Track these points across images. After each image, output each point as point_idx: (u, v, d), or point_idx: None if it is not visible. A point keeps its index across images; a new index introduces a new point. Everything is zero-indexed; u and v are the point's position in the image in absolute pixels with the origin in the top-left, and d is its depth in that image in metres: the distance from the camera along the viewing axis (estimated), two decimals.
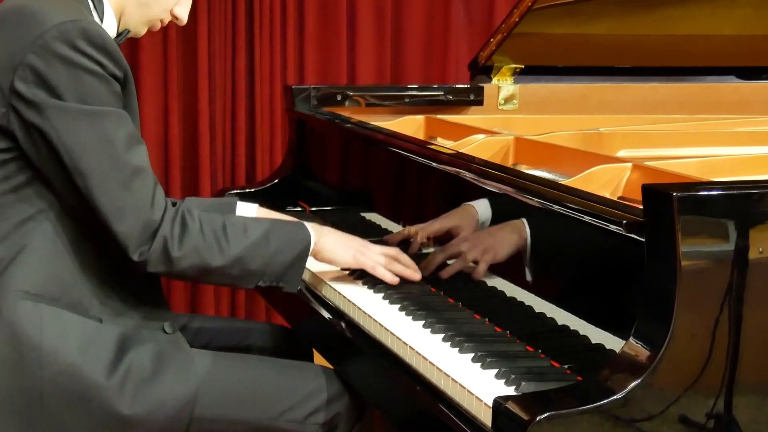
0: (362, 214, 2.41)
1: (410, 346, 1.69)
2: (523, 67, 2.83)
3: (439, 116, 2.67)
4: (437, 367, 1.59)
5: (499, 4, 3.84)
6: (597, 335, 1.59)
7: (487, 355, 1.60)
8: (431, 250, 2.05)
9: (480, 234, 1.89)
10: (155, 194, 1.76)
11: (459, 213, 1.96)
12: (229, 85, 3.59)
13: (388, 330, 1.77)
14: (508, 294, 1.81)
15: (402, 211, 2.25)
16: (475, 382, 1.52)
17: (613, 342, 1.54)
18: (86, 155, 1.71)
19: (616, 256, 1.55)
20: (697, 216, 1.40)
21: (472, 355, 1.62)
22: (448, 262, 1.96)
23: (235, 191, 2.68)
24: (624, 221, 1.48)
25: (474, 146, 2.19)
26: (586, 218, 1.57)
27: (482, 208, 1.90)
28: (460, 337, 1.70)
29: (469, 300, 1.87)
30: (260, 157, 3.63)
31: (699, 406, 1.42)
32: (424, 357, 1.64)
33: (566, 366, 1.57)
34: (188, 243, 1.77)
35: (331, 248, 1.94)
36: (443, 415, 1.53)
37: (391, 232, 2.23)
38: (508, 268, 1.82)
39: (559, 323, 1.68)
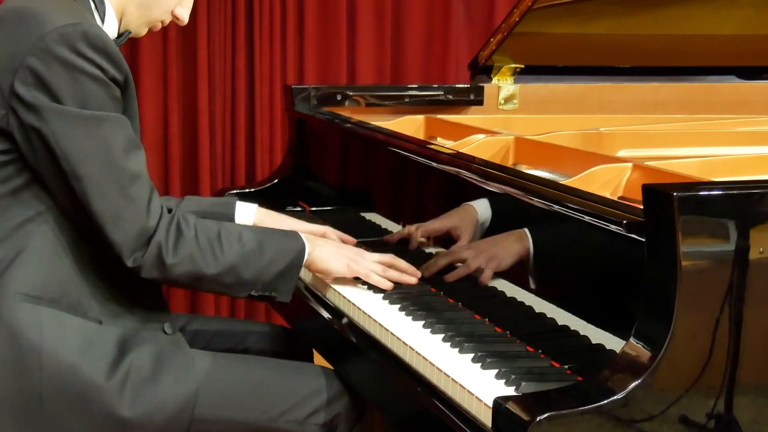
0: (362, 214, 2.41)
1: (410, 347, 1.69)
2: (523, 66, 2.83)
3: (439, 116, 2.66)
4: (437, 368, 1.59)
5: (499, 3, 3.83)
6: (597, 335, 1.59)
7: (487, 356, 1.60)
8: (432, 250, 2.05)
9: (484, 242, 1.88)
10: (151, 201, 1.76)
11: (459, 213, 1.96)
12: (228, 85, 3.59)
13: (388, 330, 1.77)
14: (508, 294, 1.81)
15: (402, 211, 2.25)
16: (475, 383, 1.52)
17: (613, 342, 1.53)
18: (83, 160, 1.70)
19: (616, 256, 1.55)
20: (698, 216, 1.40)
21: (472, 355, 1.62)
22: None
23: (235, 191, 2.68)
24: (624, 221, 1.48)
25: (474, 146, 2.19)
26: (587, 218, 1.57)
27: (482, 208, 1.89)
28: (460, 337, 1.69)
29: (469, 300, 1.87)
30: (260, 157, 3.63)
31: (699, 406, 1.42)
32: (424, 357, 1.64)
33: (566, 366, 1.56)
34: (183, 250, 1.77)
35: (325, 258, 1.94)
36: (443, 416, 1.53)
37: (391, 232, 2.23)
38: (508, 270, 1.82)
39: (560, 323, 1.67)
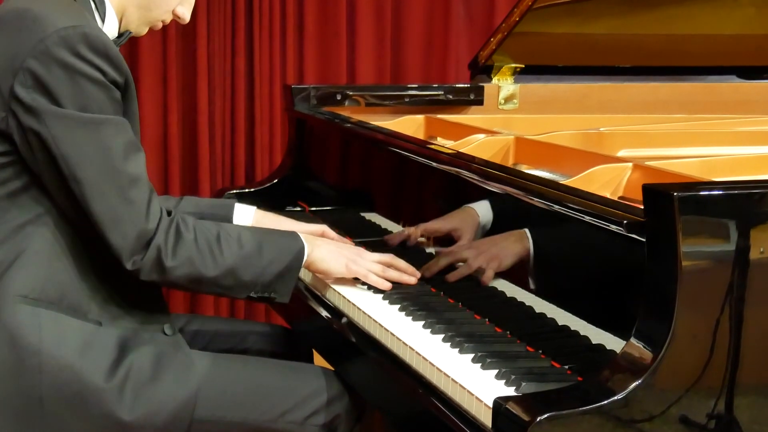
0: (362, 214, 2.41)
1: (410, 347, 1.68)
2: (523, 66, 2.83)
3: (439, 116, 2.66)
4: (437, 368, 1.59)
5: (499, 3, 3.83)
6: (597, 336, 1.59)
7: (487, 356, 1.60)
8: (432, 250, 2.05)
9: (484, 242, 1.88)
10: (150, 203, 1.76)
11: (460, 215, 1.95)
12: (228, 85, 3.59)
13: (388, 330, 1.77)
14: (509, 294, 1.81)
15: (402, 211, 2.25)
16: (476, 383, 1.51)
17: (613, 342, 1.53)
18: (83, 163, 1.70)
19: (616, 256, 1.55)
20: (698, 216, 1.40)
21: (472, 355, 1.62)
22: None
23: (235, 191, 2.68)
24: (625, 221, 1.48)
25: (474, 146, 2.19)
26: (587, 218, 1.57)
27: (483, 210, 1.89)
28: (460, 337, 1.69)
29: (470, 300, 1.86)
30: (260, 157, 3.63)
31: (700, 406, 1.42)
32: (424, 357, 1.63)
33: (567, 366, 1.56)
34: (182, 253, 1.77)
35: (324, 259, 1.94)
36: (443, 416, 1.53)
37: (391, 232, 2.23)
38: (509, 270, 1.82)
39: (560, 324, 1.67)
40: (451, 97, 2.80)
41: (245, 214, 2.14)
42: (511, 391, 1.48)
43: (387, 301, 1.92)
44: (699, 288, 1.40)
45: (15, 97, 1.69)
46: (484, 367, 1.57)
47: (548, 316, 1.70)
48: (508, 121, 2.69)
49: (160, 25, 1.95)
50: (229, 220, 2.11)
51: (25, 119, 1.70)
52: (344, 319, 1.94)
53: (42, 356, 1.71)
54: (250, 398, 1.85)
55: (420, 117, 2.67)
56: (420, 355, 1.65)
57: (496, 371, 1.55)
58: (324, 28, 3.71)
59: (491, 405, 1.40)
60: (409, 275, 1.98)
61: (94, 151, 1.71)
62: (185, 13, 1.94)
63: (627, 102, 2.88)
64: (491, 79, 2.83)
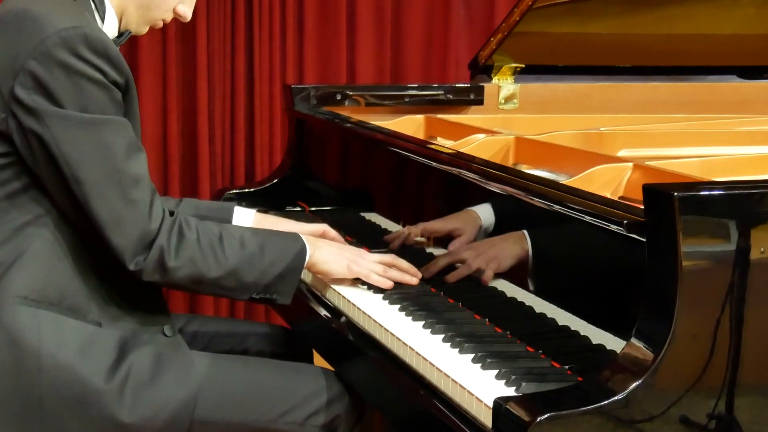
0: (362, 214, 2.40)
1: (410, 347, 1.68)
2: (523, 66, 2.82)
3: (439, 116, 2.66)
4: (437, 368, 1.58)
5: (499, 3, 3.83)
6: (598, 336, 1.58)
7: (487, 356, 1.59)
8: (432, 251, 2.05)
9: (484, 242, 1.88)
10: (153, 204, 1.75)
11: (462, 217, 1.95)
12: (228, 85, 3.58)
13: (388, 330, 1.77)
14: (509, 294, 1.81)
15: (402, 211, 2.24)
16: (476, 383, 1.51)
17: (613, 342, 1.53)
18: (84, 164, 1.70)
19: (617, 256, 1.55)
20: (698, 216, 1.40)
21: (472, 355, 1.62)
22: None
23: (234, 191, 2.67)
24: (625, 221, 1.48)
25: (474, 146, 2.19)
26: (587, 218, 1.57)
27: (485, 213, 1.89)
28: (460, 337, 1.69)
29: (470, 300, 1.86)
30: (259, 157, 3.63)
31: (700, 406, 1.42)
32: (424, 357, 1.63)
33: (567, 367, 1.56)
34: (185, 254, 1.77)
35: (326, 260, 1.94)
36: (443, 416, 1.53)
37: (391, 232, 2.22)
38: (509, 270, 1.82)
39: (560, 324, 1.67)
40: (451, 97, 2.80)
41: (245, 217, 2.14)
42: (511, 392, 1.48)
43: (387, 301, 1.92)
44: (699, 288, 1.40)
45: (15, 98, 1.69)
46: (484, 368, 1.57)
47: (548, 316, 1.70)
48: (508, 121, 2.69)
49: (161, 23, 1.94)
50: (229, 222, 2.11)
51: (26, 120, 1.69)
52: (343, 318, 1.94)
53: (42, 357, 1.71)
54: (250, 399, 1.85)
55: (420, 117, 2.67)
56: (420, 355, 1.65)
57: (496, 371, 1.55)
58: (324, 28, 3.70)
59: (491, 405, 1.40)
60: (411, 275, 1.98)
61: (95, 151, 1.70)
62: (186, 12, 1.94)
63: (627, 102, 2.88)
64: (491, 78, 2.83)
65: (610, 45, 2.83)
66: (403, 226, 2.19)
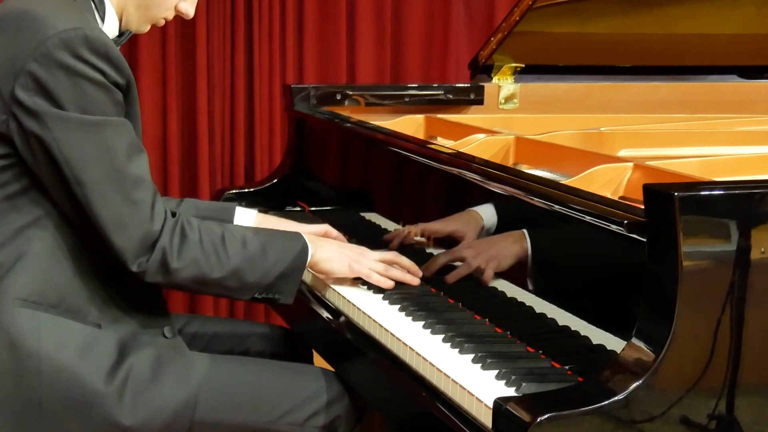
0: (362, 214, 2.40)
1: (410, 347, 1.68)
2: (523, 66, 2.82)
3: (439, 116, 2.66)
4: (437, 368, 1.58)
5: (499, 3, 3.83)
6: (598, 336, 1.58)
7: (487, 356, 1.59)
8: (432, 251, 2.05)
9: (484, 242, 1.88)
10: (155, 205, 1.75)
11: (463, 218, 1.95)
12: (228, 85, 3.58)
13: (388, 331, 1.76)
14: (509, 295, 1.80)
15: (402, 211, 2.24)
16: (476, 383, 1.51)
17: (614, 343, 1.53)
18: (86, 166, 1.69)
19: (617, 256, 1.54)
20: (699, 216, 1.40)
21: (472, 356, 1.62)
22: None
23: (234, 191, 2.67)
24: (625, 221, 1.48)
25: (474, 146, 2.18)
26: (588, 218, 1.57)
27: (487, 214, 1.89)
28: (460, 337, 1.69)
29: (470, 300, 1.86)
30: (259, 157, 3.63)
31: (701, 407, 1.42)
32: (424, 358, 1.63)
33: (567, 367, 1.56)
34: (187, 254, 1.76)
35: (327, 260, 1.94)
36: (443, 417, 1.53)
37: (390, 232, 2.22)
38: (509, 270, 1.82)
39: (560, 324, 1.67)
40: (451, 96, 2.80)
41: (246, 217, 2.14)
42: (511, 392, 1.48)
43: (387, 301, 1.91)
44: (700, 288, 1.40)
45: (16, 100, 1.68)
46: (484, 368, 1.57)
47: (548, 316, 1.70)
48: (509, 120, 2.69)
49: (163, 22, 1.93)
50: (230, 223, 2.11)
51: (27, 122, 1.69)
52: (342, 318, 1.94)
53: (41, 359, 1.70)
54: (249, 400, 1.84)
55: (420, 117, 2.66)
56: (420, 355, 1.64)
57: (496, 372, 1.55)
58: (324, 27, 3.70)
59: (491, 405, 1.40)
60: (413, 274, 1.97)
61: (96, 153, 1.70)
62: (189, 9, 1.92)
63: (627, 102, 2.88)
64: (491, 78, 2.82)
65: (610, 45, 2.83)
66: (403, 226, 2.18)
